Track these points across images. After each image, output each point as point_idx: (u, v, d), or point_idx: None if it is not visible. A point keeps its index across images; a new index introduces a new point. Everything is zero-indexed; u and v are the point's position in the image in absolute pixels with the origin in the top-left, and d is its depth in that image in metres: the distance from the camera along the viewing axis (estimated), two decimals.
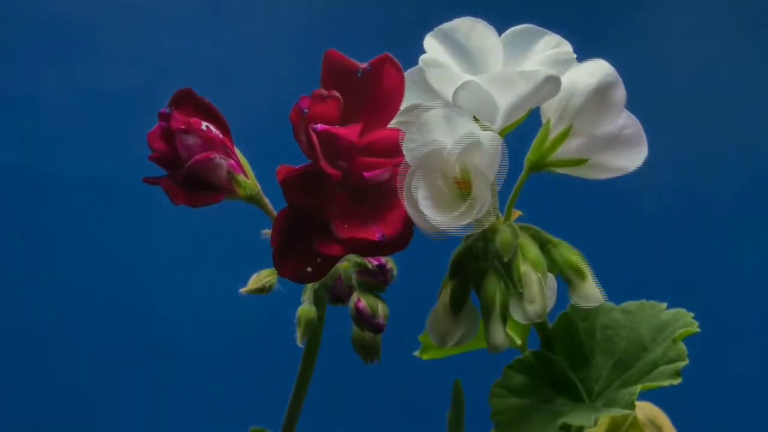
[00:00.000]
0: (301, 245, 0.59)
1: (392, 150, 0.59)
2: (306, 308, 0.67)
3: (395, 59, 0.61)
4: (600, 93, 0.60)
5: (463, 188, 0.58)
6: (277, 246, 0.59)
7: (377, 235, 0.58)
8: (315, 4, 1.47)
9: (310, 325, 0.67)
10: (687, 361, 0.62)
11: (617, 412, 0.60)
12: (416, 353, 0.78)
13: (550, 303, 0.60)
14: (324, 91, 0.59)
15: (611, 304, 0.68)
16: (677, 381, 0.61)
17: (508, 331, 0.76)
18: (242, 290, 0.66)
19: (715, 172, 1.32)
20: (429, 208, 0.56)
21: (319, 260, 0.59)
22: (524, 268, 0.59)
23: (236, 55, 1.43)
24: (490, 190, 0.56)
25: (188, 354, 1.42)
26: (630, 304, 0.68)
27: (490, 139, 0.56)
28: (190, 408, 1.41)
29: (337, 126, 0.59)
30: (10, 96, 1.45)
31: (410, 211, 0.56)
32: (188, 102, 0.63)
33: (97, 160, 1.42)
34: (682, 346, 0.63)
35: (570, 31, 0.62)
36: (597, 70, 0.61)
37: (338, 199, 0.59)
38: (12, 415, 1.41)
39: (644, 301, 0.68)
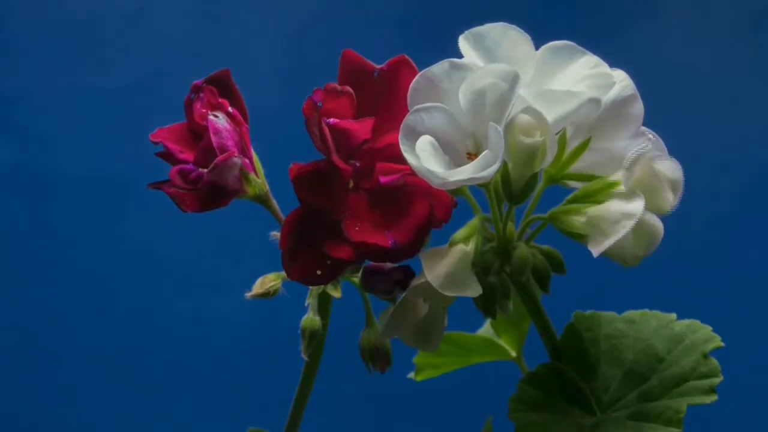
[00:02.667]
0: (310, 247, 0.57)
1: None
2: (310, 318, 0.66)
3: (411, 61, 0.60)
4: (618, 105, 0.58)
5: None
6: (287, 248, 0.57)
7: (389, 242, 0.56)
8: (317, 3, 1.46)
9: (315, 336, 0.65)
10: (721, 378, 0.60)
11: (661, 430, 0.59)
12: (410, 375, 0.77)
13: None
14: (337, 86, 0.58)
15: (613, 313, 0.66)
16: (714, 398, 0.60)
17: (503, 343, 0.75)
18: (247, 295, 0.64)
19: (716, 174, 1.31)
20: (436, 167, 0.54)
21: (328, 263, 0.57)
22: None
23: (238, 54, 1.42)
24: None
25: (189, 354, 1.40)
26: (633, 314, 0.66)
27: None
28: (191, 408, 1.39)
29: (350, 120, 0.58)
30: (10, 95, 1.43)
31: (414, 165, 0.54)
32: (220, 86, 0.62)
33: (98, 159, 1.41)
34: (715, 362, 0.61)
35: (576, 34, 0.60)
36: (616, 82, 0.59)
37: (351, 202, 0.58)
38: (12, 414, 1.39)
39: (646, 310, 0.66)
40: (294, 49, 1.41)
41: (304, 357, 0.66)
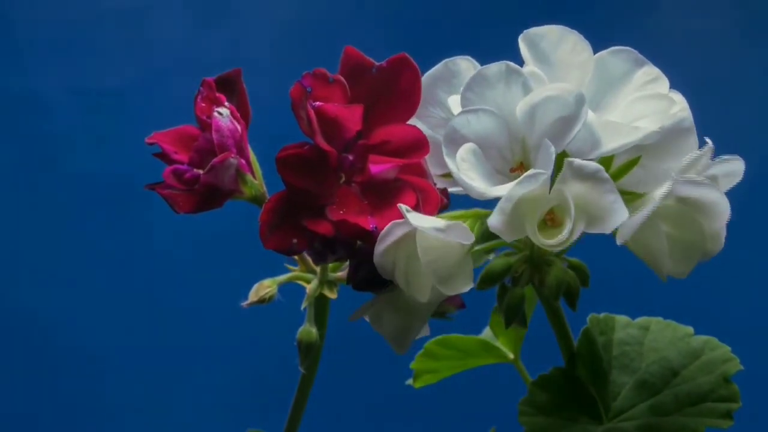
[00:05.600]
0: (291, 223, 0.56)
1: (407, 150, 0.56)
2: (306, 330, 0.64)
3: (411, 59, 0.58)
4: (673, 135, 0.55)
5: (521, 172, 0.53)
6: (267, 221, 0.56)
7: (370, 226, 0.55)
8: (317, 3, 1.45)
9: (312, 348, 0.64)
10: (740, 404, 0.58)
11: None
12: (408, 382, 0.75)
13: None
14: (326, 72, 0.57)
15: (626, 318, 0.64)
16: (730, 423, 0.58)
17: (500, 345, 0.73)
18: (243, 304, 0.63)
19: None
20: (474, 181, 0.52)
21: (305, 233, 0.56)
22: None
23: (238, 54, 1.41)
24: (553, 160, 0.50)
25: (188, 354, 1.39)
26: (647, 321, 0.64)
27: (567, 94, 0.52)
28: (190, 408, 1.39)
29: (337, 105, 0.56)
30: (12, 95, 1.42)
31: (453, 172, 0.52)
32: (228, 84, 0.61)
33: (99, 159, 1.40)
34: (736, 387, 0.59)
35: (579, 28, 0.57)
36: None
37: (341, 193, 0.56)
38: (16, 412, 1.38)
39: (661, 318, 0.64)
40: (294, 50, 1.40)
41: (301, 369, 0.64)
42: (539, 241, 0.51)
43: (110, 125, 1.40)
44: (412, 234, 0.53)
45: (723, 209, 0.53)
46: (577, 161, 0.50)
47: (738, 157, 0.56)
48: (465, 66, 0.57)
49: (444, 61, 0.58)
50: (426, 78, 0.58)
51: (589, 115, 0.53)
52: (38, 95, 1.41)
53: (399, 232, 0.54)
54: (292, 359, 0.66)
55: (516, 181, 0.50)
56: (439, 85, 0.58)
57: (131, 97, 1.39)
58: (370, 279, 0.57)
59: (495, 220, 0.51)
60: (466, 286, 0.54)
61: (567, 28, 0.56)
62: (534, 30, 0.56)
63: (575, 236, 0.51)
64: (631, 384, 0.61)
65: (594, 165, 0.50)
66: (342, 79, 0.57)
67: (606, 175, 0.50)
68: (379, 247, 0.54)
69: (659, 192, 0.52)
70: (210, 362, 1.39)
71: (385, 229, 0.54)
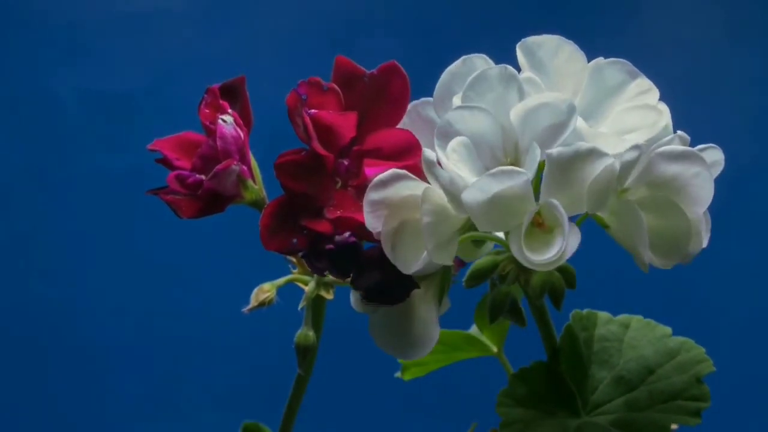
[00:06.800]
0: (290, 225, 0.57)
1: (400, 153, 0.57)
2: (303, 333, 0.64)
3: (401, 67, 0.59)
4: (689, 186, 0.55)
5: None
6: (266, 225, 0.57)
7: None
8: (322, 7, 1.45)
9: (309, 352, 0.64)
10: (710, 404, 0.60)
11: None
12: (397, 375, 0.76)
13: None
14: (321, 80, 0.58)
15: (608, 314, 0.65)
16: (698, 421, 0.60)
17: (485, 339, 0.74)
18: (245, 309, 0.64)
19: None
20: (461, 171, 0.52)
21: (305, 232, 0.57)
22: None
23: (243, 59, 1.41)
24: (536, 165, 0.51)
25: (188, 349, 1.40)
26: (628, 318, 0.65)
27: (559, 102, 0.53)
28: (189, 401, 1.40)
29: (331, 113, 0.57)
30: (25, 96, 1.42)
31: (443, 163, 0.52)
32: (231, 90, 0.62)
33: (105, 162, 1.40)
34: (707, 389, 0.61)
35: (567, 33, 0.59)
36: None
37: (337, 196, 0.58)
38: (23, 410, 1.39)
39: (641, 317, 0.65)
40: (297, 55, 1.40)
41: (300, 372, 0.65)
42: (527, 260, 0.51)
43: (120, 127, 1.40)
44: (412, 200, 0.54)
45: (706, 181, 0.54)
46: (557, 150, 0.51)
47: (715, 145, 0.57)
48: (480, 64, 0.57)
49: (462, 58, 0.58)
50: (445, 74, 0.58)
51: (582, 125, 0.54)
52: (50, 96, 1.41)
53: (402, 190, 0.54)
54: (290, 355, 0.67)
55: (490, 172, 0.51)
56: (457, 80, 0.58)
57: (141, 100, 1.39)
58: (378, 289, 0.58)
59: (469, 198, 0.51)
60: (449, 261, 0.55)
61: (563, 38, 0.57)
62: (532, 39, 0.57)
63: (567, 256, 0.51)
64: (609, 379, 0.62)
65: (573, 146, 0.51)
66: (336, 87, 0.58)
67: (586, 145, 0.51)
68: (373, 195, 0.54)
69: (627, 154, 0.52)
70: (209, 356, 1.40)
71: (386, 173, 0.54)
